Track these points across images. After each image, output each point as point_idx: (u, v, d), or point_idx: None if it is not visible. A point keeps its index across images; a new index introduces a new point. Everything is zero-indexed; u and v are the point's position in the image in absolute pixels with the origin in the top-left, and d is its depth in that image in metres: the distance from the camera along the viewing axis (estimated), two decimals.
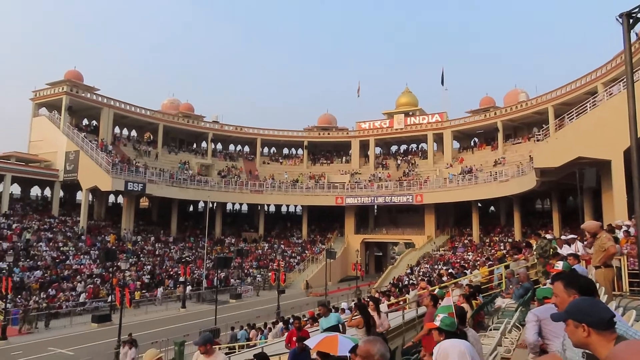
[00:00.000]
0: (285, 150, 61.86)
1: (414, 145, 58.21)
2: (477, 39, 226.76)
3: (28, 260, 31.28)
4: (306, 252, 48.94)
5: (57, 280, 30.44)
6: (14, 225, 35.00)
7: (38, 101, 43.87)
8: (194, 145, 57.30)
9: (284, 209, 60.38)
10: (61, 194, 42.24)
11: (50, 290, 28.93)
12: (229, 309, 30.44)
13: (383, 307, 10.82)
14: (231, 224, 54.38)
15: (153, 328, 24.21)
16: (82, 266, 33.48)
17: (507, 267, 12.34)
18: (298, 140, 58.60)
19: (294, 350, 6.89)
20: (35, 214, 39.10)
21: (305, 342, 6.51)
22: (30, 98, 44.13)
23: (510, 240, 35.92)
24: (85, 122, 47.78)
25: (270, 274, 40.67)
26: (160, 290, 33.30)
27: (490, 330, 6.88)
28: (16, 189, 42.30)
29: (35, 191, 44.81)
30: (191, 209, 56.75)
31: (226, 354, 15.86)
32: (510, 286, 10.64)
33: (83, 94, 43.77)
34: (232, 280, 40.22)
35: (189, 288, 33.63)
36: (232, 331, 20.20)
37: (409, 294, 16.54)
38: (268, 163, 58.46)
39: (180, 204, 48.64)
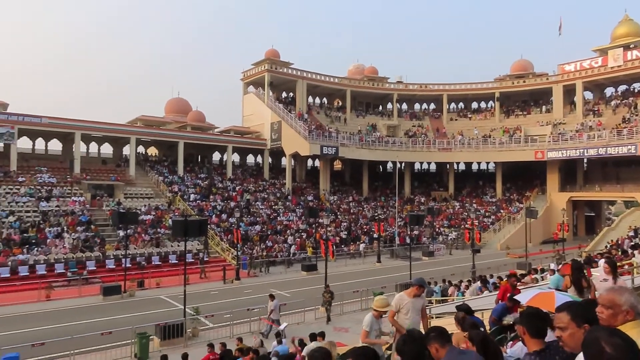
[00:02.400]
0: (474, 105, 58.23)
1: (636, 85, 48.22)
2: None
3: (249, 216, 37.07)
4: (501, 211, 46.01)
5: (272, 233, 35.44)
6: (237, 188, 41.72)
7: (246, 80, 50.55)
8: (380, 108, 58.41)
9: (474, 166, 57.55)
10: (269, 160, 48.42)
11: (267, 242, 33.90)
12: (421, 266, 30.94)
13: (599, 270, 9.63)
14: (420, 183, 54.50)
15: (353, 279, 26.29)
16: (290, 222, 38.15)
17: None
18: (488, 93, 54.45)
19: (504, 304, 6.68)
20: (252, 178, 45.82)
21: (517, 297, 6.25)
22: (240, 79, 51.19)
23: None
24: (283, 94, 53.18)
25: (463, 232, 39.72)
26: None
27: None
28: (236, 157, 50.11)
29: (250, 159, 52.49)
30: (380, 169, 58.66)
31: None
32: None
33: (281, 70, 48.55)
34: (423, 238, 40.64)
35: (364, 245, 34.95)
36: (429, 286, 20.56)
37: (635, 257, 14.31)
38: (456, 119, 56.07)
39: (370, 165, 50.70)
